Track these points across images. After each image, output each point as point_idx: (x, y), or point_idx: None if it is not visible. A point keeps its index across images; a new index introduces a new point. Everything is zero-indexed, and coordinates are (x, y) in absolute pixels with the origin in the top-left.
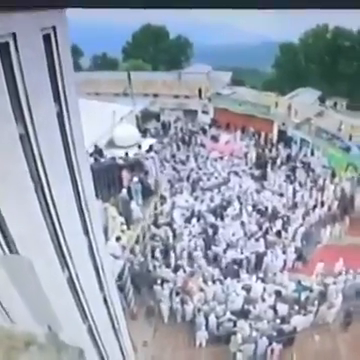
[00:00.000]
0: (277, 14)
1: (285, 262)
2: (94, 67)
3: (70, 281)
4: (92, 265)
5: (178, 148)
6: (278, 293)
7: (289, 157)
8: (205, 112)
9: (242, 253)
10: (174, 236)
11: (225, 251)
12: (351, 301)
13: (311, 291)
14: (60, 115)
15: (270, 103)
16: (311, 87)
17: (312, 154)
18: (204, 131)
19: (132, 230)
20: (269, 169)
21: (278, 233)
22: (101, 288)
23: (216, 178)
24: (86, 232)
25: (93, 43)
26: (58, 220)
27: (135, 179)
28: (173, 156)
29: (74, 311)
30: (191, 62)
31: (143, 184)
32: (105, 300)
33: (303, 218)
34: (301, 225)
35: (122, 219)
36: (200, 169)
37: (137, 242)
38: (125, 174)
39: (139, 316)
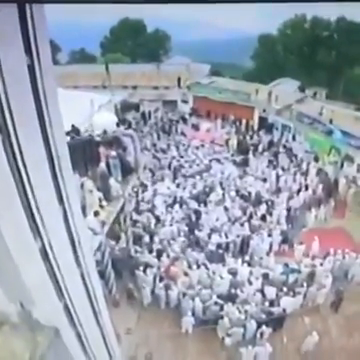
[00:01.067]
0: (255, 9)
1: (271, 245)
2: (73, 62)
3: (43, 252)
4: (68, 237)
5: (158, 137)
6: (265, 276)
7: (271, 143)
8: (185, 101)
9: (227, 237)
10: (157, 222)
11: (209, 236)
12: (340, 281)
13: (299, 273)
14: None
15: (250, 90)
16: (290, 77)
17: (294, 139)
18: (184, 120)
19: (112, 206)
20: (251, 155)
21: (263, 217)
22: (78, 264)
23: (198, 165)
24: (61, 200)
25: (71, 39)
26: (30, 184)
27: (113, 153)
28: (154, 145)
29: (48, 286)
30: (170, 56)
31: (122, 161)
32: (83, 278)
33: (287, 202)
34: (286, 209)
35: (100, 194)
36: (181, 157)
37: (118, 223)
38: (102, 150)
39: (122, 303)
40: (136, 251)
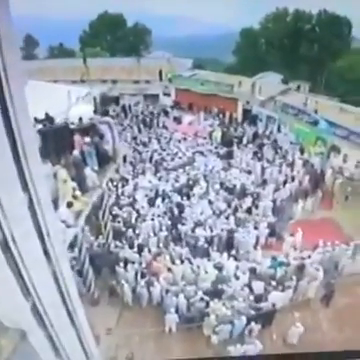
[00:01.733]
0: (237, 4)
1: (258, 239)
2: (51, 57)
3: (4, 245)
4: (34, 228)
5: (139, 130)
6: (252, 270)
7: (255, 135)
8: (166, 94)
9: (212, 231)
10: (138, 216)
11: (193, 230)
12: (330, 274)
13: (288, 266)
14: None
15: (233, 82)
16: (273, 71)
17: (279, 131)
18: (166, 113)
19: (87, 197)
20: (235, 147)
21: (248, 210)
22: (48, 258)
23: (180, 158)
24: (25, 188)
25: (50, 34)
26: None
27: (87, 140)
28: (134, 138)
29: (12, 284)
30: (150, 51)
31: (98, 149)
32: (54, 274)
33: (273, 194)
34: (272, 201)
35: (74, 184)
36: (163, 150)
37: (96, 216)
38: (77, 138)
39: (101, 301)
40: (116, 246)
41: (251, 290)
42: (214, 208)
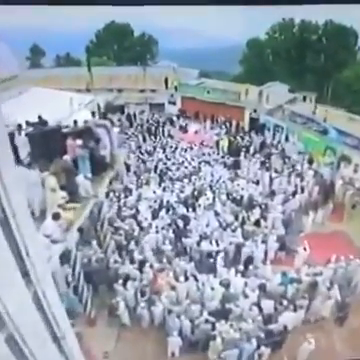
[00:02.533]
0: (243, 17)
1: (266, 253)
2: (58, 67)
3: None
4: (10, 247)
5: (144, 139)
6: (262, 287)
7: (263, 144)
8: (172, 103)
9: (218, 245)
10: (140, 229)
11: (198, 243)
12: (345, 292)
13: (299, 283)
14: None
15: (240, 90)
16: (279, 82)
17: (287, 140)
18: (171, 122)
19: (80, 208)
20: (242, 157)
21: (257, 222)
22: (28, 282)
23: (186, 168)
24: None
25: (58, 44)
26: None
27: (79, 142)
28: (139, 147)
29: None
30: (156, 61)
31: (94, 155)
32: (36, 299)
33: (282, 205)
34: (281, 213)
35: (64, 193)
36: (168, 159)
37: (95, 229)
38: (70, 142)
39: (98, 322)
40: (115, 261)
41: (260, 309)
42: (220, 220)
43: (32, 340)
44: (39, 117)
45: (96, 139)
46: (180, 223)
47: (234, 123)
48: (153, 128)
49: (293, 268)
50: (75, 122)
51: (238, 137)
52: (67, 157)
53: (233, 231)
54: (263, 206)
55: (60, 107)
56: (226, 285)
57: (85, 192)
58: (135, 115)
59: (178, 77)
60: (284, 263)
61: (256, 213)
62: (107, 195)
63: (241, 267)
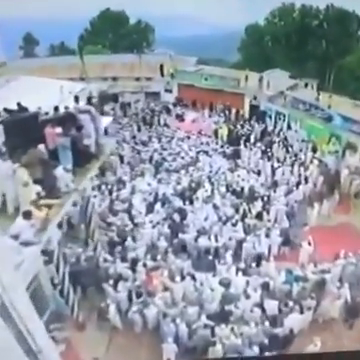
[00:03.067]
0: (241, 4)
1: (270, 248)
2: (52, 56)
3: None
4: None
5: (139, 129)
6: (265, 286)
7: (264, 132)
8: (168, 90)
9: (217, 240)
10: (134, 224)
11: (196, 239)
12: (355, 291)
13: (306, 281)
14: None
15: (239, 77)
16: (280, 69)
17: (289, 128)
18: (168, 110)
19: (57, 206)
20: (242, 146)
21: (258, 215)
22: None
23: (183, 158)
24: None
25: (52, 34)
26: None
27: (58, 130)
28: (133, 137)
29: None
30: (153, 49)
31: (77, 145)
32: (4, 309)
33: (286, 197)
34: (284, 205)
35: (38, 188)
36: (164, 150)
37: (86, 225)
38: (49, 130)
39: (88, 326)
40: (105, 260)
41: (264, 311)
42: (220, 213)
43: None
44: (18, 104)
45: (78, 126)
46: (176, 217)
47: (233, 111)
48: (148, 117)
49: (298, 265)
50: (56, 108)
51: (238, 125)
52: (41, 146)
53: (233, 225)
54: (265, 198)
55: (50, 95)
56: (226, 284)
57: (65, 186)
58: (130, 104)
59: (175, 64)
60: (288, 259)
61: (258, 206)
62: (99, 188)
63: (242, 264)
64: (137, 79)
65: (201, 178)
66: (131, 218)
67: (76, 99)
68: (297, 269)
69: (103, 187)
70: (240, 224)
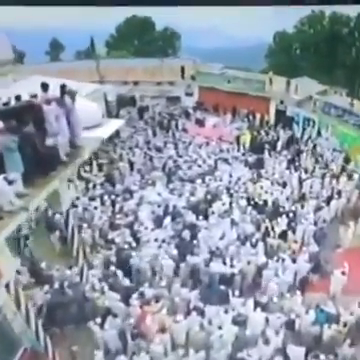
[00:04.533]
0: (272, 16)
1: (295, 276)
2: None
3: None
4: None
5: (154, 133)
6: (289, 326)
7: (291, 140)
8: (189, 94)
9: (232, 265)
10: (136, 242)
11: (208, 263)
12: None
13: (340, 322)
14: None
15: (265, 79)
16: (307, 77)
17: (319, 135)
18: (187, 115)
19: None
20: (267, 155)
21: (283, 234)
22: None
23: (199, 167)
24: None
25: (79, 40)
26: None
27: (6, 129)
28: (147, 142)
29: None
30: (179, 55)
31: (35, 145)
32: None
33: (315, 214)
34: (313, 224)
35: None
36: (180, 156)
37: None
38: None
39: None
40: (93, 288)
41: None
42: (239, 231)
43: None
44: None
45: (39, 121)
46: (186, 234)
47: (258, 116)
48: (165, 121)
49: (329, 298)
50: (17, 98)
51: (262, 132)
52: None
53: (253, 246)
54: (291, 214)
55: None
56: (241, 323)
57: (8, 203)
58: (148, 107)
59: (197, 67)
60: (317, 289)
61: (282, 223)
62: (101, 198)
63: (263, 297)
64: (159, 83)
65: (218, 189)
66: (134, 234)
67: (44, 87)
68: (330, 304)
69: (105, 197)
70: (261, 245)
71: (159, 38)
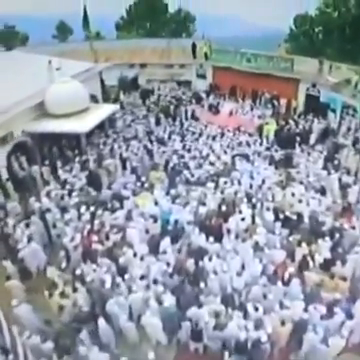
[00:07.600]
0: (287, 5)
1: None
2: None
3: None
4: None
5: (158, 122)
6: None
7: (326, 132)
8: (201, 76)
9: (258, 325)
10: (122, 279)
11: (218, 317)
12: None
13: None
14: None
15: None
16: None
17: None
18: (199, 99)
19: None
20: (297, 150)
21: (325, 265)
22: None
23: (212, 164)
24: None
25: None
26: None
27: None
28: (148, 133)
29: None
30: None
31: None
32: None
33: None
34: None
35: None
36: (188, 151)
37: None
38: None
39: None
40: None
41: None
42: (264, 260)
43: None
44: None
45: None
46: (190, 266)
47: (284, 102)
48: (172, 107)
49: None
50: None
51: (290, 121)
52: None
53: (285, 284)
54: (336, 234)
55: (39, 72)
56: None
57: None
58: (153, 91)
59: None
60: None
61: (324, 247)
62: (78, 209)
63: None
64: (168, 66)
65: (237, 196)
66: (118, 269)
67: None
68: None
69: (83, 209)
70: (296, 282)
71: (172, 20)
